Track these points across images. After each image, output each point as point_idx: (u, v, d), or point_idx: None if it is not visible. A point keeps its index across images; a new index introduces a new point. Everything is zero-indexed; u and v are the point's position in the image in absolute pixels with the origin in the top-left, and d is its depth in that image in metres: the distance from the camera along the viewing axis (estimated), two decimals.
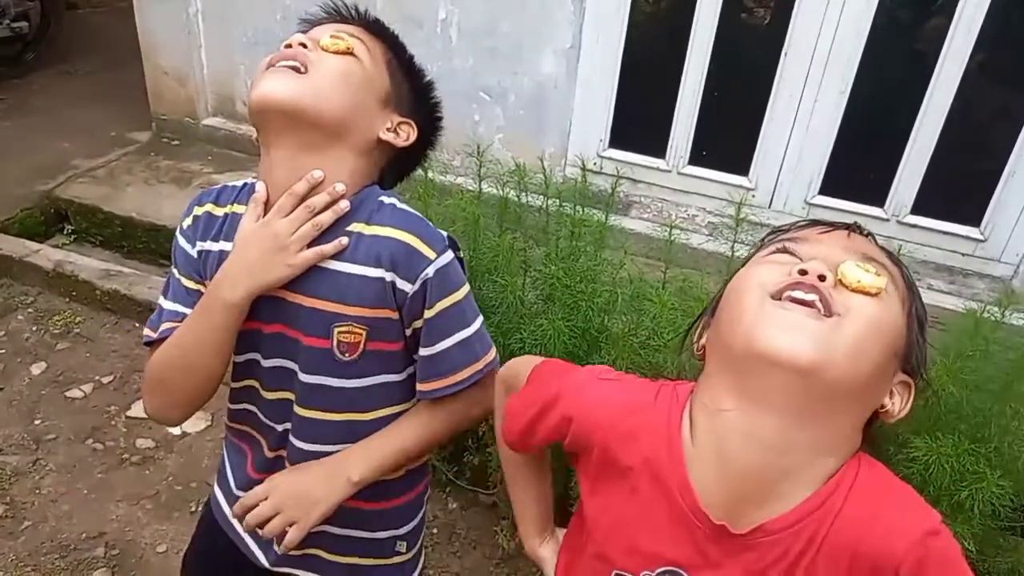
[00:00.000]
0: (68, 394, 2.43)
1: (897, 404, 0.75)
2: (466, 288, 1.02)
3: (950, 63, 2.45)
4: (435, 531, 2.07)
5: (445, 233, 1.00)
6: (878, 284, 0.71)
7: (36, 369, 2.52)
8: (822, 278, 0.70)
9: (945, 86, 2.48)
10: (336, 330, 0.97)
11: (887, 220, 2.72)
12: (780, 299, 0.70)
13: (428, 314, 0.98)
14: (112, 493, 2.12)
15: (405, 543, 1.16)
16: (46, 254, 2.89)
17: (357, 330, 0.97)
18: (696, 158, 2.91)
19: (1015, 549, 1.58)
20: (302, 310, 0.98)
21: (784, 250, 0.77)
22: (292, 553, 1.08)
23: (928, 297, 2.60)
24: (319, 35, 0.99)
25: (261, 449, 1.09)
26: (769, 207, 2.83)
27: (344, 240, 0.96)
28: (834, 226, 0.80)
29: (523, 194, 1.93)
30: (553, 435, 0.87)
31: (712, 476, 0.75)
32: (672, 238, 1.78)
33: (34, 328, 2.69)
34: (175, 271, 1.05)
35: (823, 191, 2.77)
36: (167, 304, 1.04)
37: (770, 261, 0.77)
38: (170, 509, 2.09)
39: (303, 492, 1.02)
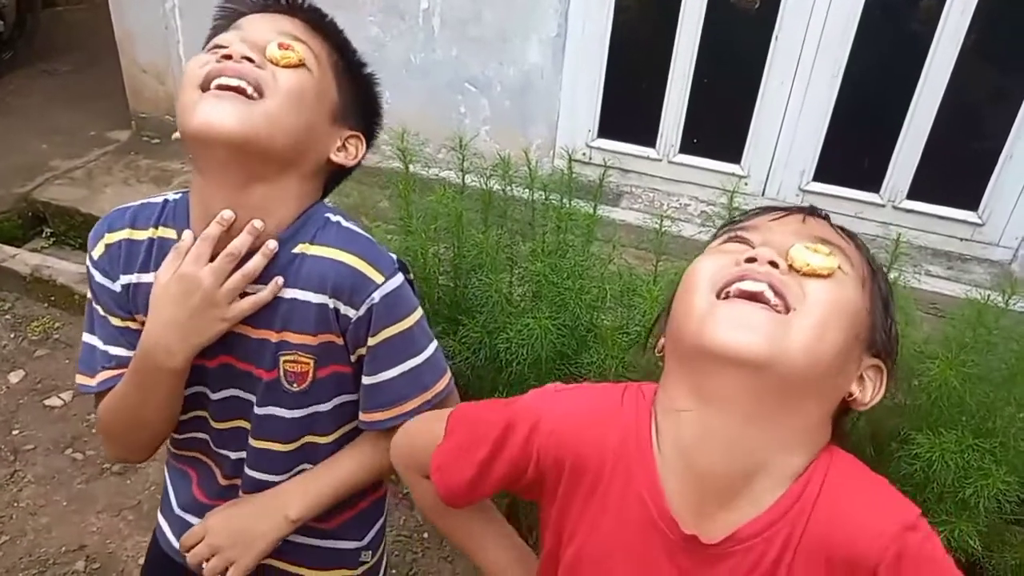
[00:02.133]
0: (47, 402, 2.37)
1: (869, 391, 0.72)
2: (417, 314, 0.95)
3: (945, 44, 2.39)
4: (425, 536, 2.02)
5: (395, 256, 0.94)
6: (829, 265, 0.68)
7: (14, 377, 2.45)
8: (773, 265, 0.68)
9: (940, 67, 2.42)
10: (282, 359, 0.91)
11: (883, 206, 2.66)
12: (729, 293, 0.67)
13: (371, 341, 0.91)
14: (92, 504, 2.06)
15: (370, 552, 1.11)
16: (23, 259, 2.82)
17: (304, 359, 0.91)
18: (687, 146, 2.84)
19: (1022, 544, 1.53)
20: (249, 341, 0.91)
21: (735, 238, 0.74)
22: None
23: (926, 283, 2.55)
24: (258, 38, 0.87)
25: (213, 475, 1.03)
26: (763, 195, 2.78)
27: (280, 281, 0.89)
28: (788, 211, 0.76)
29: (509, 187, 1.87)
30: (511, 471, 0.80)
31: (679, 480, 0.71)
32: (663, 229, 1.72)
33: (12, 335, 2.62)
34: (97, 307, 0.95)
35: (817, 177, 2.71)
36: (98, 344, 0.96)
37: (719, 251, 0.73)
38: (152, 520, 1.98)
39: (240, 530, 0.97)
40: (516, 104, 2.96)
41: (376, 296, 0.90)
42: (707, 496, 0.70)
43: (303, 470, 1.00)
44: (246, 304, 0.88)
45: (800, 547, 0.68)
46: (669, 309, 0.77)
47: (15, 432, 2.26)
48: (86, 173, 3.29)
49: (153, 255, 0.92)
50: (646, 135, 2.87)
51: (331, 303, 0.90)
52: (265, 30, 0.89)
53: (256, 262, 0.87)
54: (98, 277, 0.94)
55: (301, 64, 0.87)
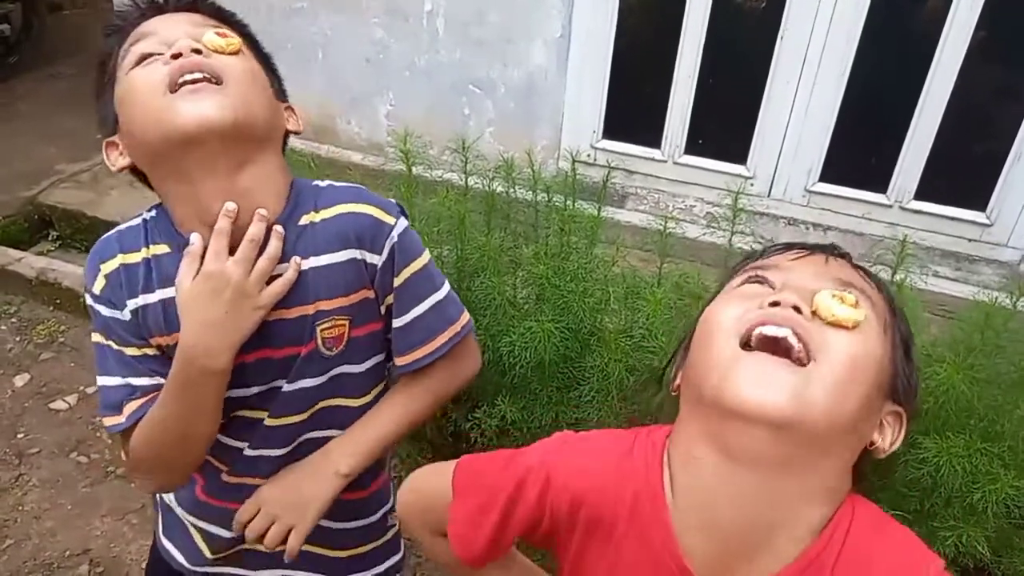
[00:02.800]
0: (52, 406, 2.37)
1: (888, 437, 0.71)
2: (427, 253, 0.99)
3: (952, 43, 2.37)
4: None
5: (392, 199, 0.97)
6: (855, 317, 0.66)
7: (19, 381, 2.46)
8: (797, 310, 0.66)
9: (947, 67, 2.40)
10: (319, 328, 0.92)
11: (890, 206, 2.64)
12: (751, 343, 0.65)
13: (396, 282, 0.95)
14: (97, 508, 2.06)
15: (395, 512, 1.12)
16: (29, 262, 2.83)
17: (340, 321, 0.93)
18: (692, 147, 2.83)
19: None
20: (285, 324, 0.91)
21: (755, 279, 0.72)
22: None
23: (934, 284, 2.52)
24: (188, 34, 0.87)
25: (217, 475, 1.02)
26: (768, 196, 2.76)
27: (298, 259, 0.90)
28: (810, 250, 0.75)
29: (512, 189, 1.86)
30: (526, 527, 0.78)
31: (696, 531, 0.69)
32: (667, 230, 1.71)
33: (17, 338, 2.63)
34: (110, 343, 0.93)
35: (823, 178, 2.70)
36: (117, 381, 0.92)
37: (740, 294, 0.72)
38: None
39: (293, 496, 0.97)
40: (520, 106, 2.95)
41: (395, 236, 0.94)
42: (728, 550, 0.69)
43: (309, 439, 0.99)
44: (278, 287, 0.89)
45: None
46: (687, 345, 0.76)
47: (20, 435, 2.26)
48: (92, 176, 3.30)
49: (153, 274, 0.91)
50: (651, 136, 2.86)
51: (358, 254, 0.92)
52: (183, 28, 0.89)
53: (275, 244, 0.88)
54: (105, 311, 0.92)
55: (240, 50, 0.90)
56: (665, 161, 2.87)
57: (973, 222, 2.57)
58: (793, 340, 0.64)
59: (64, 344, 2.62)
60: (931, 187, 2.58)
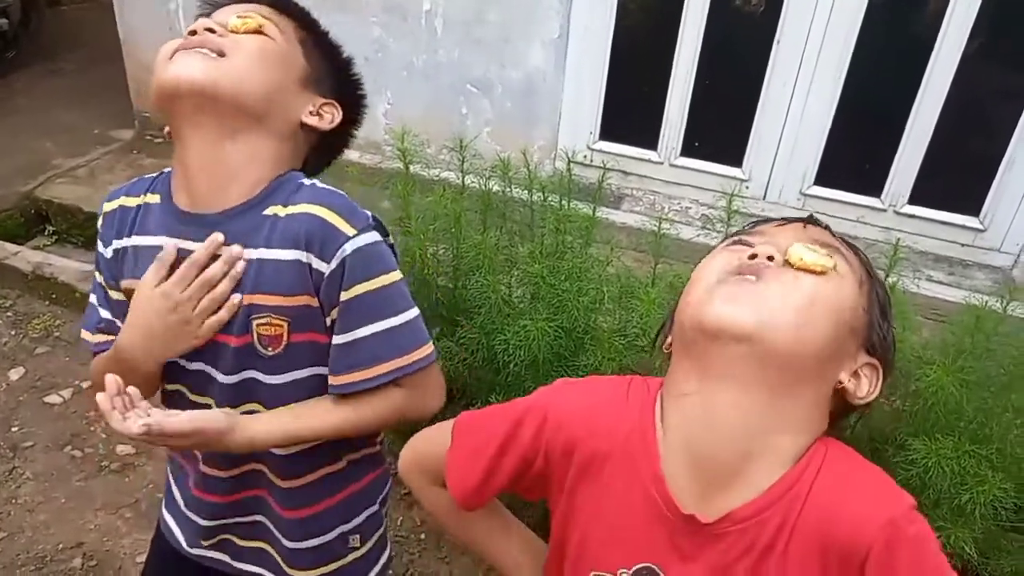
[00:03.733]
0: (46, 400, 2.37)
1: (864, 386, 0.75)
2: (395, 275, 0.93)
3: (947, 48, 2.39)
4: (423, 536, 2.02)
5: (370, 214, 0.93)
6: (823, 263, 0.72)
7: (14, 375, 2.46)
8: (771, 259, 0.73)
9: (942, 72, 2.42)
10: (255, 323, 0.91)
11: (884, 210, 2.66)
12: (726, 281, 0.73)
13: (344, 296, 0.90)
14: (91, 502, 2.07)
15: (358, 536, 1.09)
16: (25, 256, 2.83)
17: (277, 321, 0.91)
18: (688, 149, 2.84)
19: (1020, 551, 1.53)
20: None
21: (739, 242, 0.79)
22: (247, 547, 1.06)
23: (927, 288, 2.54)
24: (224, 18, 0.92)
25: (196, 463, 1.04)
26: (764, 198, 2.77)
27: (236, 300, 0.91)
28: (790, 220, 0.81)
29: (509, 188, 1.87)
30: (520, 465, 0.82)
31: (681, 464, 0.75)
32: (662, 231, 1.72)
33: (12, 332, 2.63)
34: (97, 274, 1.02)
35: (818, 181, 2.71)
36: (95, 303, 1.02)
37: (723, 251, 0.78)
38: (150, 518, 2.03)
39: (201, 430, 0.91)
40: (518, 106, 2.96)
41: (348, 248, 0.88)
42: (707, 478, 0.73)
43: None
44: (214, 322, 0.92)
45: (795, 531, 0.70)
46: (675, 310, 0.81)
47: (14, 429, 2.26)
48: (89, 171, 3.30)
49: (138, 219, 0.96)
50: (648, 138, 2.87)
51: (304, 257, 0.89)
52: (229, 10, 0.94)
53: (215, 268, 0.90)
54: (100, 246, 1.00)
55: (259, 31, 0.92)
56: (661, 163, 2.88)
57: (966, 227, 2.59)
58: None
59: (59, 338, 2.62)
60: (925, 192, 2.59)
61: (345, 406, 0.95)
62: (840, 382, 0.74)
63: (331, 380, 0.94)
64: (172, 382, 1.00)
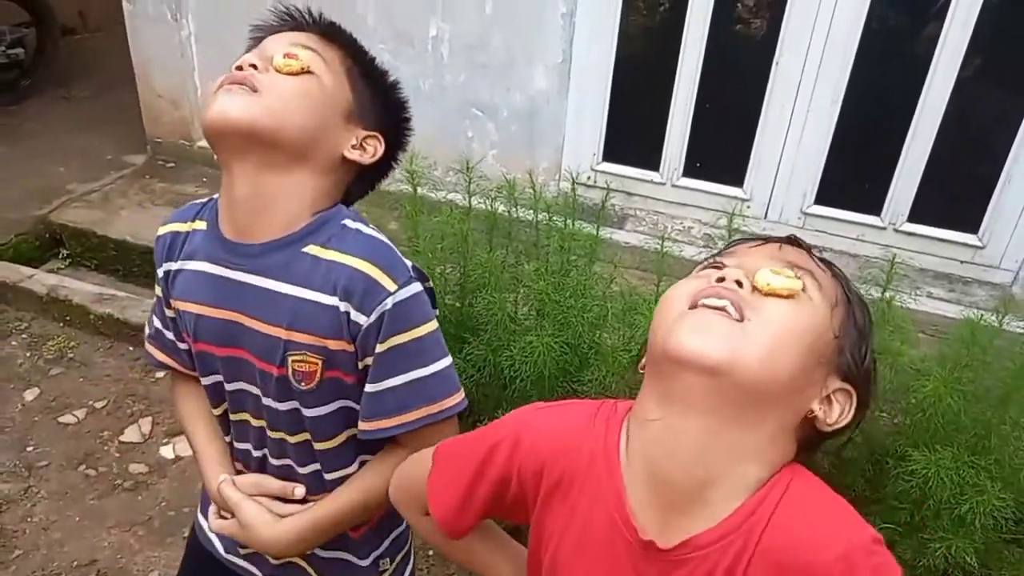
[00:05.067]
0: (61, 420, 2.41)
1: (835, 412, 0.73)
2: (431, 325, 0.96)
3: (943, 68, 2.44)
4: (431, 552, 2.04)
5: (410, 264, 0.96)
6: (788, 286, 0.71)
7: (29, 395, 2.50)
8: (739, 284, 0.72)
9: (939, 92, 2.47)
10: (290, 358, 0.94)
11: (884, 228, 2.70)
12: (696, 307, 0.71)
13: (379, 348, 0.92)
14: (104, 519, 2.10)
15: (388, 559, 1.14)
16: (40, 279, 2.88)
17: (312, 359, 0.93)
18: (690, 170, 2.89)
19: (1020, 562, 1.55)
20: (257, 335, 0.95)
21: (712, 264, 0.78)
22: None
23: (927, 305, 2.56)
24: (272, 52, 0.95)
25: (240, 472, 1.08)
26: (765, 218, 2.82)
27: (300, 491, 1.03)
28: (767, 240, 0.80)
29: (514, 209, 1.91)
30: (496, 489, 0.83)
31: (642, 489, 0.75)
32: (664, 250, 1.76)
33: (28, 354, 2.68)
34: (157, 287, 1.07)
35: (819, 200, 2.75)
36: (157, 323, 1.09)
37: (696, 276, 0.78)
38: (163, 535, 2.06)
39: (254, 534, 1.01)
40: (522, 128, 3.02)
41: (389, 303, 0.91)
42: (667, 503, 0.73)
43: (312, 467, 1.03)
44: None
45: (753, 559, 0.70)
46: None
47: (29, 448, 2.30)
48: (102, 196, 3.36)
49: (186, 245, 1.01)
50: (650, 159, 2.92)
51: (343, 306, 0.91)
52: (278, 44, 0.96)
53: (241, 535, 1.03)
54: (158, 268, 1.05)
55: (304, 71, 0.94)
56: (663, 183, 2.93)
57: (965, 244, 2.63)
58: (732, 310, 0.70)
59: (73, 360, 2.66)
60: (924, 210, 2.64)
61: (372, 470, 1.02)
62: (811, 411, 0.73)
63: (361, 426, 0.97)
64: (237, 411, 1.04)
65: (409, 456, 0.96)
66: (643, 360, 0.82)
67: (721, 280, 0.73)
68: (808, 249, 0.79)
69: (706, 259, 0.83)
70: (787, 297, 0.71)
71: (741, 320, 0.69)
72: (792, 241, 0.79)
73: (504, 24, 2.87)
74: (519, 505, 0.84)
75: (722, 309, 0.70)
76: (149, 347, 1.12)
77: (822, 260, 0.79)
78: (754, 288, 0.72)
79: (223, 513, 1.05)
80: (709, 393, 0.69)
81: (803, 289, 0.72)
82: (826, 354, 0.73)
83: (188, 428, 1.12)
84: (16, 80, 4.35)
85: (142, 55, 3.52)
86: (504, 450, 0.82)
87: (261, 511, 1.01)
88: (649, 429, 0.74)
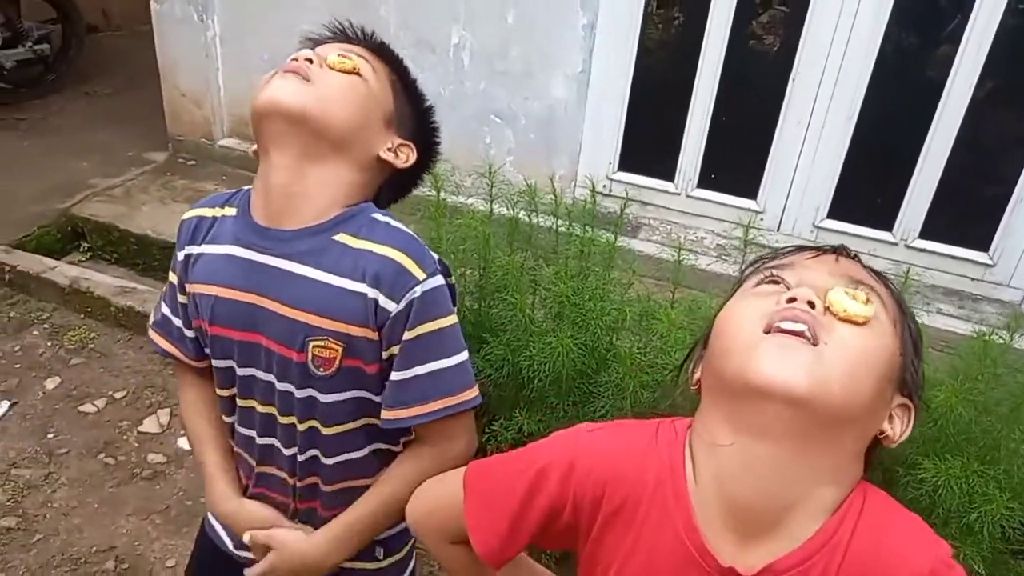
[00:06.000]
0: (81, 409, 2.45)
1: (898, 428, 0.74)
2: (452, 318, 0.99)
3: (958, 88, 2.48)
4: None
5: (437, 256, 0.99)
6: (866, 313, 0.70)
7: (50, 384, 2.54)
8: (811, 305, 0.70)
9: (953, 111, 2.51)
10: (311, 343, 0.96)
11: (895, 244, 2.73)
12: (770, 331, 0.69)
13: (407, 336, 0.95)
14: (123, 507, 2.13)
15: (382, 549, 1.15)
16: (62, 271, 2.93)
17: (333, 345, 0.95)
18: (705, 181, 2.93)
19: None
20: (279, 319, 0.97)
21: (771, 279, 0.76)
22: None
23: (937, 321, 2.58)
24: (326, 53, 1.00)
25: (247, 463, 1.11)
26: (778, 230, 2.85)
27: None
28: (821, 251, 0.78)
29: (533, 214, 1.95)
30: (548, 516, 0.80)
31: (716, 515, 0.73)
32: (680, 259, 1.80)
33: (49, 343, 2.72)
34: (171, 274, 1.09)
35: (831, 215, 2.79)
36: (164, 309, 1.10)
37: (758, 293, 0.75)
38: (180, 524, 2.10)
39: (294, 549, 1.05)
40: (540, 136, 3.06)
41: (418, 291, 0.94)
42: (744, 529, 0.72)
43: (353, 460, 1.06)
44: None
45: None
46: (705, 343, 0.79)
47: (50, 436, 2.34)
48: (124, 191, 3.42)
49: (212, 230, 1.03)
50: (665, 169, 2.96)
51: (371, 293, 0.93)
52: (331, 47, 1.02)
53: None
54: (177, 253, 1.07)
55: (354, 71, 0.99)
56: (678, 194, 2.97)
57: (976, 262, 2.66)
58: (809, 335, 0.68)
59: (94, 350, 2.71)
60: (936, 227, 2.67)
61: (393, 474, 1.05)
62: (882, 432, 0.73)
63: (384, 414, 1.00)
64: (246, 397, 1.06)
65: (427, 479, 0.97)
66: (693, 377, 0.81)
67: (791, 300, 0.70)
68: (859, 259, 0.79)
69: (754, 264, 0.81)
70: (863, 324, 0.70)
71: (816, 344, 0.68)
72: (844, 252, 0.78)
73: (525, 34, 2.92)
74: (569, 532, 0.81)
75: (800, 334, 0.68)
76: (153, 334, 1.13)
77: (875, 272, 0.78)
78: (827, 310, 0.70)
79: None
80: (792, 422, 0.67)
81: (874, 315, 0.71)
82: (894, 374, 0.72)
83: (191, 431, 1.15)
84: (41, 75, 4.43)
85: (167, 54, 3.58)
86: (555, 474, 0.79)
87: (291, 531, 1.06)
88: (721, 454, 0.72)
